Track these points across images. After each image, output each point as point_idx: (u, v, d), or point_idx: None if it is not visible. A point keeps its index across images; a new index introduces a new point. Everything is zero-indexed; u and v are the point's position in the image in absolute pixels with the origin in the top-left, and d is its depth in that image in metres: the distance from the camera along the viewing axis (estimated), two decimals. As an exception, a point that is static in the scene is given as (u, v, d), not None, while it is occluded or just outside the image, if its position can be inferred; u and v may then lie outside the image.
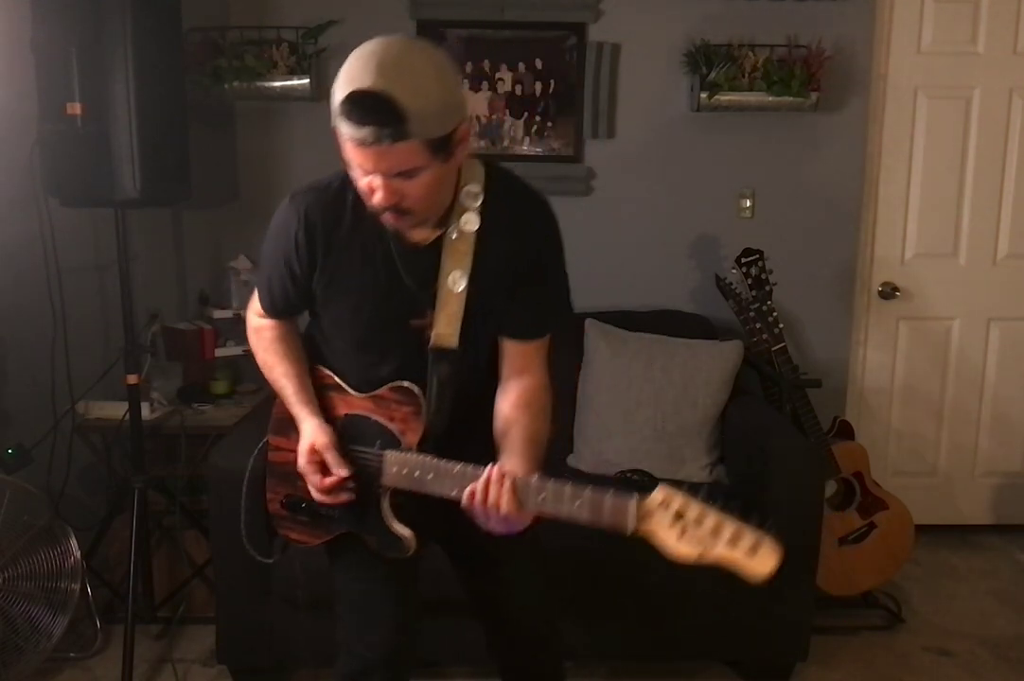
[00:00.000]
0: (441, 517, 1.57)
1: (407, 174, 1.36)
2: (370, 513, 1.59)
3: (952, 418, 3.46)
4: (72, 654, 2.60)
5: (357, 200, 1.50)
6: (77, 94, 2.32)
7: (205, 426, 2.81)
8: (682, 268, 3.28)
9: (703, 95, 3.05)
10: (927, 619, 2.89)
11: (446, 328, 1.53)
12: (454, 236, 1.51)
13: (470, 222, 1.51)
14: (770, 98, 3.04)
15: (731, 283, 2.95)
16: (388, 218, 1.44)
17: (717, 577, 2.37)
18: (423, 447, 1.55)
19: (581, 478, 2.71)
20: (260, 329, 1.75)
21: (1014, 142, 3.28)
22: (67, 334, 2.71)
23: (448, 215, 1.52)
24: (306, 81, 2.99)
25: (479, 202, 1.51)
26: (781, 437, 2.55)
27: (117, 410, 2.69)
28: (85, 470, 2.95)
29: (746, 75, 3.03)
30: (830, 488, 2.79)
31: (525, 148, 3.19)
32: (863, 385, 3.44)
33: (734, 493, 2.60)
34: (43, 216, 2.58)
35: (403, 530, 1.57)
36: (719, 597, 2.42)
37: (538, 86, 3.16)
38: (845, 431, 2.93)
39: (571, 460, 2.84)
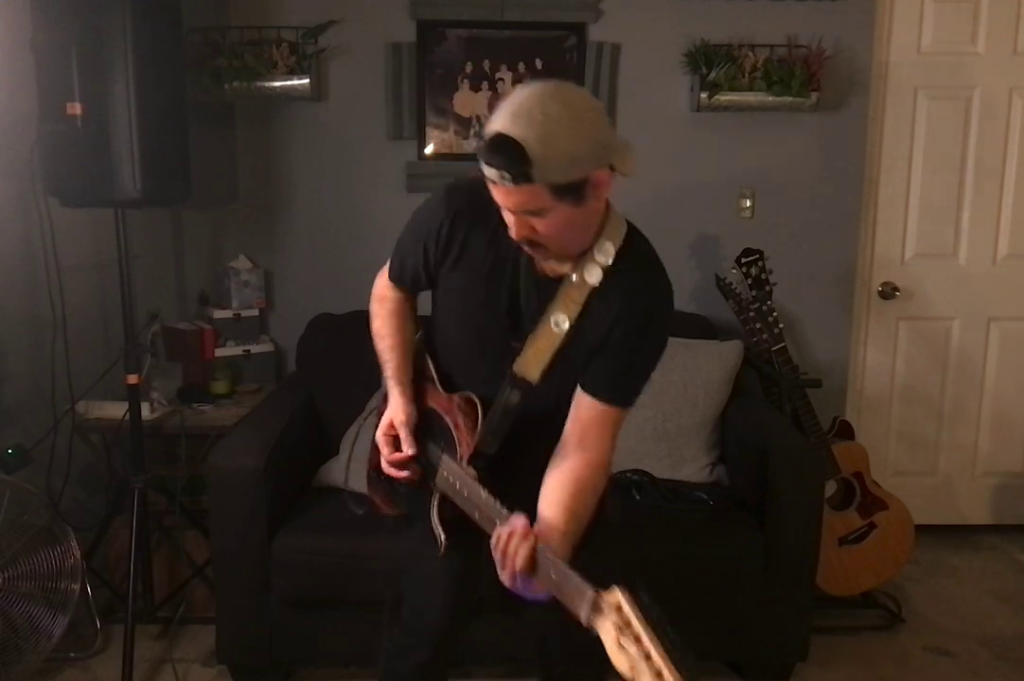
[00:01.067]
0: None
1: (535, 213, 1.43)
2: (422, 505, 1.66)
3: (952, 418, 3.46)
4: (72, 654, 2.60)
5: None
6: (77, 94, 2.32)
7: (205, 426, 2.81)
8: (682, 268, 3.28)
9: (703, 95, 3.05)
10: (927, 619, 2.90)
11: (532, 360, 1.59)
12: (574, 280, 1.56)
13: (592, 275, 1.55)
14: (770, 98, 3.04)
15: (731, 283, 2.95)
16: (528, 251, 1.52)
17: (717, 577, 2.39)
18: (473, 462, 1.59)
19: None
20: (384, 299, 1.81)
21: (1014, 142, 3.28)
22: (67, 334, 2.71)
23: (583, 259, 1.56)
24: (306, 81, 2.99)
25: (608, 261, 1.55)
26: (781, 437, 2.55)
27: (117, 410, 2.69)
28: (85, 470, 2.95)
29: (746, 75, 3.03)
30: (830, 488, 2.79)
31: (525, 148, 3.18)
32: (863, 385, 3.44)
33: (734, 493, 2.60)
34: (43, 216, 2.58)
35: (439, 531, 1.62)
36: (719, 597, 2.43)
37: (538, 86, 3.15)
38: (845, 431, 2.93)
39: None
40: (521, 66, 3.14)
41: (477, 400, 1.61)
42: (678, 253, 3.29)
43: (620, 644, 1.18)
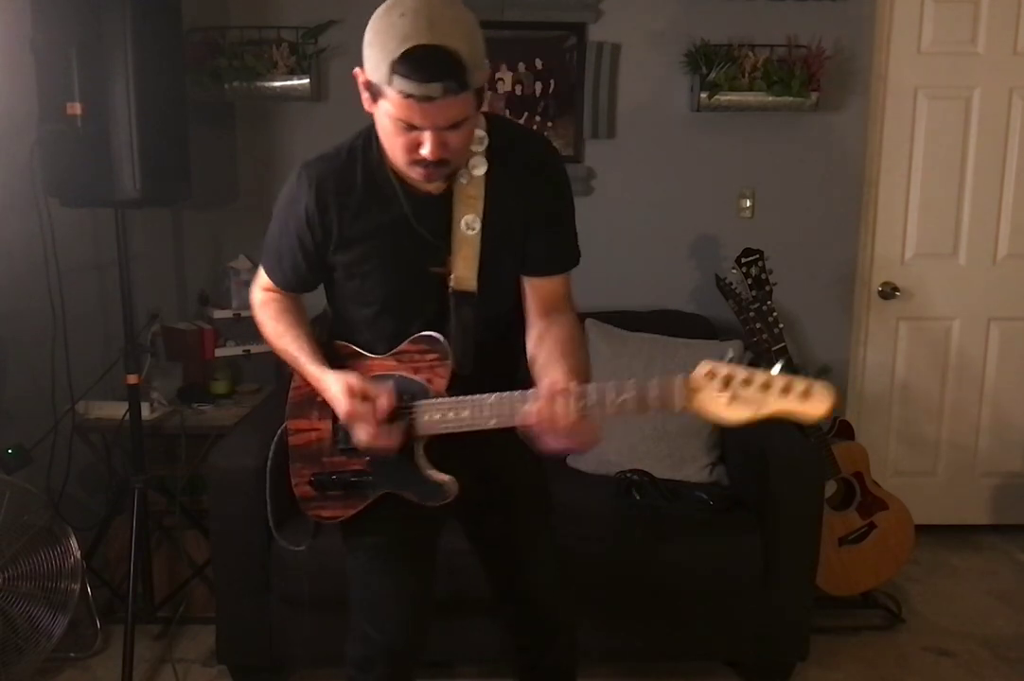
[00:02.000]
0: (472, 463, 1.61)
1: (456, 125, 1.40)
2: (404, 468, 1.60)
3: (952, 418, 3.46)
4: (72, 654, 2.60)
5: (366, 164, 1.55)
6: (77, 94, 2.32)
7: (205, 426, 2.81)
8: (682, 268, 3.28)
9: (703, 95, 3.05)
10: (927, 619, 2.90)
11: (464, 271, 1.56)
12: (464, 181, 1.54)
13: (478, 166, 1.54)
14: (770, 98, 3.04)
15: (731, 283, 2.94)
16: (425, 173, 1.46)
17: (717, 577, 2.39)
18: (452, 391, 1.56)
19: (581, 478, 2.74)
20: (266, 302, 1.76)
21: (1014, 142, 3.28)
22: (67, 334, 2.71)
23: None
24: (306, 81, 2.99)
25: (484, 146, 1.54)
26: (781, 437, 2.54)
27: (117, 410, 2.69)
28: (85, 470, 2.95)
29: (746, 75, 3.03)
30: (830, 488, 2.79)
31: (525, 148, 3.18)
32: (863, 385, 3.43)
33: (734, 493, 2.60)
34: (43, 216, 2.58)
35: (442, 476, 1.59)
36: (719, 597, 2.42)
37: (538, 86, 3.16)
38: (845, 431, 2.93)
39: (571, 460, 2.84)
40: (521, 66, 3.14)
41: (431, 333, 1.57)
42: (678, 253, 3.29)
43: (734, 398, 1.28)
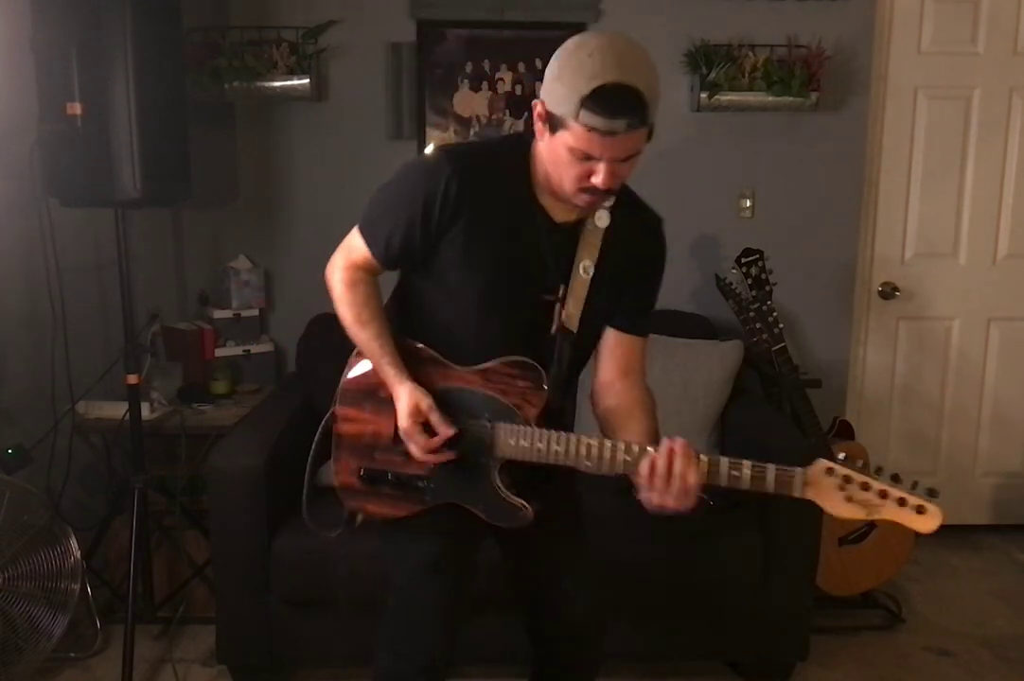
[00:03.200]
0: (542, 487, 1.65)
1: (631, 157, 1.50)
2: (476, 485, 1.62)
3: (952, 418, 3.46)
4: (72, 654, 2.60)
5: (515, 179, 1.60)
6: (77, 94, 2.32)
7: (205, 426, 2.81)
8: (682, 268, 3.28)
9: (703, 95, 3.05)
10: (927, 619, 2.90)
11: (572, 310, 1.64)
12: (588, 228, 1.64)
13: (602, 219, 1.64)
14: (770, 98, 3.04)
15: (731, 283, 2.95)
16: (590, 200, 1.55)
17: (717, 577, 2.39)
18: (541, 422, 1.59)
19: (581, 478, 2.74)
20: (356, 282, 1.68)
21: (1014, 142, 3.28)
22: (67, 334, 2.71)
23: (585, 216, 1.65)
24: (306, 81, 2.99)
25: (610, 202, 1.63)
26: (781, 437, 2.55)
27: (117, 410, 2.69)
28: (85, 470, 2.95)
29: (746, 75, 3.03)
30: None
31: (525, 148, 3.18)
32: (863, 385, 3.43)
33: (734, 493, 2.60)
34: (43, 216, 2.58)
35: (520, 500, 1.61)
36: (719, 597, 2.42)
37: (538, 86, 3.14)
38: (845, 431, 2.93)
39: (571, 460, 2.84)
40: (521, 66, 3.14)
41: (529, 361, 1.60)
42: (678, 253, 3.24)
43: (848, 499, 1.41)
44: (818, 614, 2.57)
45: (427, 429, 1.59)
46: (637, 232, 1.69)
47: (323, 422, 1.76)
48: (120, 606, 2.66)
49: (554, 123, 1.48)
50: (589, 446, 1.54)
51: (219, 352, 3.13)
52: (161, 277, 3.21)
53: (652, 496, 1.51)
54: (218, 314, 3.16)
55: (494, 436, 1.59)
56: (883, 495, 1.39)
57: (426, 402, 1.58)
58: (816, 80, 3.04)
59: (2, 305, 2.69)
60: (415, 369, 1.64)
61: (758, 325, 2.87)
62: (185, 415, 2.83)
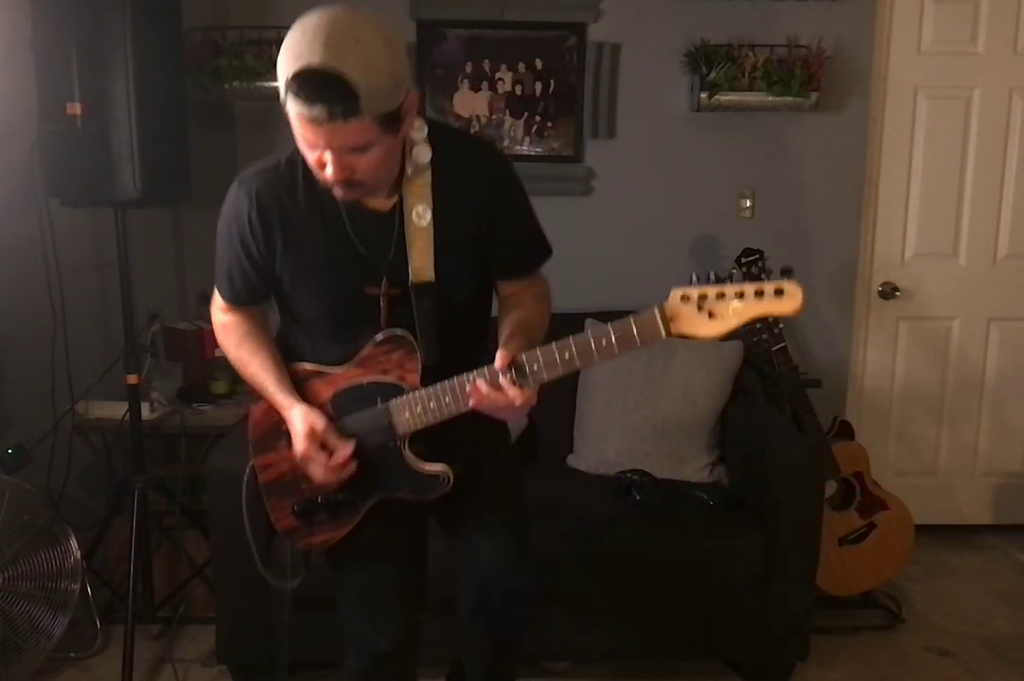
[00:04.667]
0: (458, 448, 1.61)
1: (358, 149, 1.38)
2: (394, 469, 1.60)
3: (952, 418, 3.46)
4: (72, 654, 2.60)
5: (308, 174, 1.51)
6: (77, 94, 2.32)
7: (205, 426, 2.81)
8: (682, 268, 3.28)
9: (703, 95, 3.05)
10: (927, 619, 2.89)
11: (420, 261, 1.55)
12: (409, 171, 1.53)
13: (421, 153, 1.52)
14: (770, 98, 3.04)
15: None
16: (338, 191, 1.46)
17: (717, 577, 2.39)
18: (425, 383, 1.56)
19: (581, 478, 2.74)
20: (227, 326, 1.72)
21: (1014, 142, 3.28)
22: (67, 334, 2.71)
23: (401, 177, 1.54)
24: (306, 81, 2.98)
25: (424, 134, 1.53)
26: (781, 437, 2.55)
27: (117, 410, 2.69)
28: (85, 470, 2.95)
29: (746, 75, 3.03)
30: (830, 488, 2.79)
31: (525, 148, 3.18)
32: (863, 385, 3.43)
33: (734, 493, 2.60)
34: (43, 216, 2.58)
35: (435, 467, 1.59)
36: (719, 597, 2.42)
37: (538, 86, 3.16)
38: (845, 431, 2.93)
39: (571, 460, 2.84)
40: (521, 66, 3.14)
41: (395, 330, 1.56)
42: (678, 253, 3.29)
43: (711, 315, 1.33)
44: (818, 614, 2.57)
45: (327, 448, 1.57)
46: (467, 160, 1.57)
47: (244, 481, 1.74)
48: (120, 606, 2.66)
49: (286, 108, 1.37)
50: (463, 384, 1.50)
51: (219, 352, 3.08)
52: (161, 277, 3.21)
53: (493, 414, 1.51)
54: (218, 314, 3.15)
55: (390, 417, 1.57)
56: (740, 296, 1.31)
57: (320, 423, 1.57)
58: (816, 80, 3.04)
59: (2, 305, 2.69)
60: (304, 388, 1.64)
61: (758, 325, 2.87)
62: (185, 415, 2.83)
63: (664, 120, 3.21)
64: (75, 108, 2.32)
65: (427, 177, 1.53)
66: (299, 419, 1.58)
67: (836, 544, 2.78)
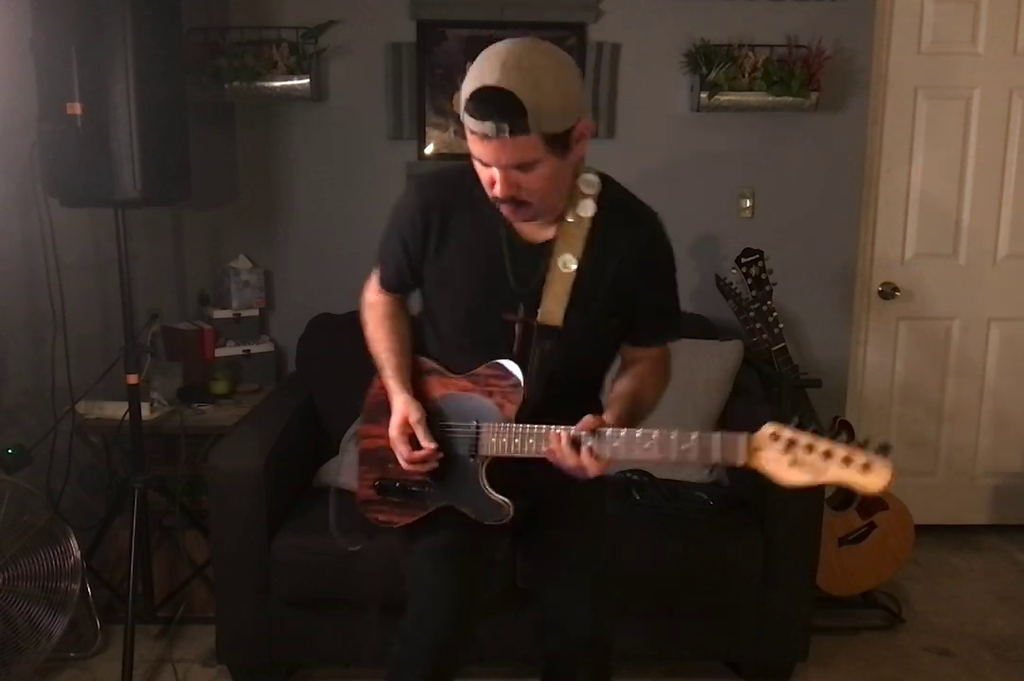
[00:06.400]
0: (531, 487, 1.66)
1: (525, 167, 1.47)
2: (466, 485, 1.67)
3: (952, 418, 3.46)
4: (72, 654, 2.60)
5: (479, 194, 1.59)
6: (77, 94, 2.32)
7: (205, 426, 2.81)
8: (682, 268, 3.22)
9: (703, 95, 3.05)
10: (927, 619, 2.90)
11: (552, 306, 1.62)
12: (570, 220, 1.61)
13: (587, 208, 1.61)
14: (770, 98, 3.04)
15: (731, 283, 2.95)
16: (506, 209, 1.55)
17: (717, 577, 2.39)
18: (520, 418, 1.62)
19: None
20: (374, 304, 1.85)
21: (1014, 142, 3.28)
22: (67, 334, 2.71)
23: (564, 213, 1.62)
24: (306, 81, 2.99)
25: (595, 191, 1.61)
26: (781, 437, 2.54)
27: (117, 410, 2.69)
28: (85, 470, 2.95)
29: (746, 75, 3.03)
30: (830, 488, 2.79)
31: (525, 148, 3.18)
32: (863, 385, 3.44)
33: (734, 493, 2.60)
34: (43, 216, 2.58)
35: (500, 497, 1.64)
36: (719, 597, 2.42)
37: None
38: (845, 431, 2.93)
39: (571, 460, 2.84)
40: (521, 66, 3.13)
41: (505, 362, 1.64)
42: (678, 253, 3.22)
43: (793, 462, 1.35)
44: (818, 614, 2.57)
45: (414, 441, 1.67)
46: (628, 225, 1.65)
47: (350, 439, 1.90)
48: (120, 606, 2.66)
49: (464, 129, 1.49)
50: (551, 433, 1.56)
51: (219, 352, 3.13)
52: (161, 277, 3.21)
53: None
54: (218, 314, 3.16)
55: (479, 436, 1.65)
56: (827, 455, 1.33)
57: (415, 415, 1.66)
58: (816, 80, 3.04)
59: (2, 305, 2.69)
60: (419, 381, 1.74)
61: (758, 325, 2.87)
62: (185, 415, 2.83)
63: (664, 120, 3.21)
64: (75, 108, 2.32)
65: (584, 230, 1.61)
66: (399, 406, 1.69)
67: (836, 544, 2.78)
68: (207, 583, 2.73)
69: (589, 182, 1.62)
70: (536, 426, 1.59)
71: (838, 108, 3.21)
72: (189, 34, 2.90)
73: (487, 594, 1.79)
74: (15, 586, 2.40)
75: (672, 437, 1.46)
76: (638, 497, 2.52)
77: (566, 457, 1.52)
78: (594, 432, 1.51)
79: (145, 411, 2.69)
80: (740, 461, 1.40)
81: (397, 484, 1.74)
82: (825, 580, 2.70)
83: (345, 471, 2.34)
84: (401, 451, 1.67)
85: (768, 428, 1.39)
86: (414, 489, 1.72)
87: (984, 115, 3.26)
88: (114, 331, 2.74)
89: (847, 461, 1.32)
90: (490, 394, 1.65)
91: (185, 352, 3.11)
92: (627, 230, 1.64)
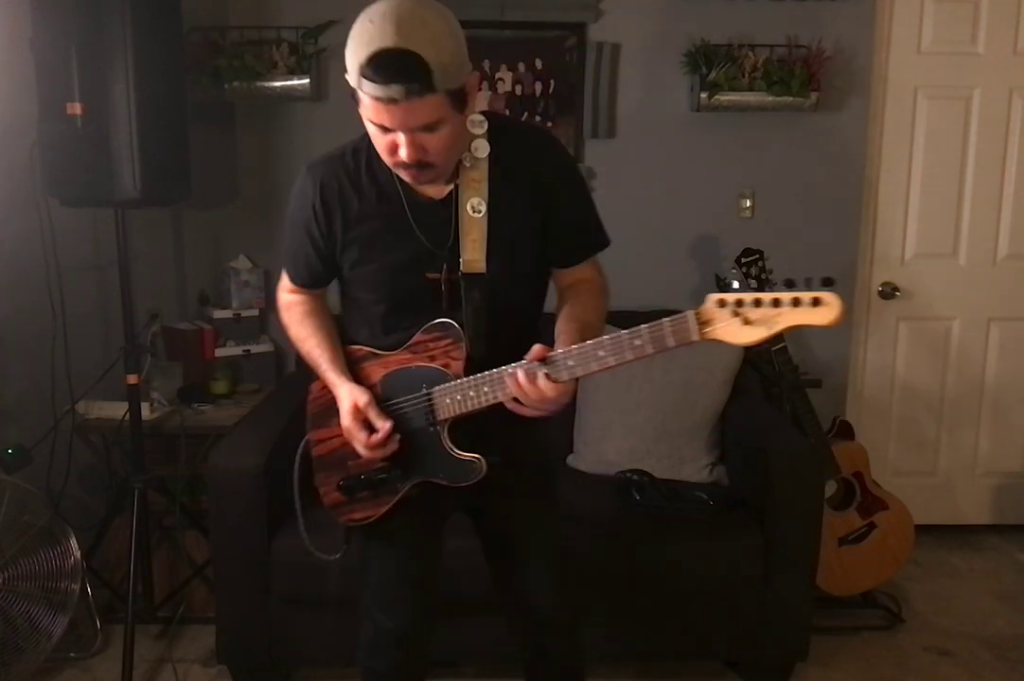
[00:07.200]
0: (495, 441, 1.62)
1: (430, 128, 1.44)
2: (433, 454, 1.64)
3: (952, 418, 3.46)
4: (72, 654, 2.60)
5: (372, 164, 1.59)
6: (77, 94, 2.32)
7: (205, 426, 2.81)
8: (682, 268, 3.28)
9: (703, 95, 3.05)
10: (927, 619, 2.90)
11: (472, 254, 1.58)
12: (468, 164, 1.58)
13: (480, 148, 1.57)
14: (770, 98, 3.04)
15: (731, 283, 2.95)
16: (408, 174, 1.52)
17: (717, 577, 2.39)
18: (468, 372, 1.59)
19: (581, 478, 2.74)
20: (291, 305, 1.81)
21: (1014, 142, 3.28)
22: (67, 334, 2.71)
23: (459, 166, 1.58)
24: (306, 81, 2.99)
25: (484, 129, 1.58)
26: (781, 437, 2.55)
27: (117, 410, 2.69)
28: (85, 470, 2.95)
29: (746, 75, 3.03)
30: (830, 488, 2.79)
31: (525, 148, 3.18)
32: (863, 385, 3.44)
33: (734, 493, 2.60)
34: (43, 216, 2.58)
35: (469, 455, 1.62)
36: (719, 597, 2.43)
37: (538, 86, 3.16)
38: (845, 431, 2.93)
39: (571, 460, 2.84)
40: (521, 66, 3.14)
41: (442, 320, 1.60)
42: (678, 253, 3.29)
43: (746, 321, 1.31)
44: (818, 614, 2.57)
45: (369, 425, 1.63)
46: (526, 153, 1.61)
47: (299, 452, 1.80)
48: (120, 606, 2.66)
49: (355, 96, 1.45)
50: (503, 375, 1.51)
51: (219, 352, 3.13)
52: (161, 277, 3.21)
53: (522, 410, 1.52)
54: (218, 314, 3.16)
55: (432, 402, 1.62)
56: (776, 303, 1.29)
57: (363, 399, 1.63)
58: (816, 80, 3.04)
59: (2, 305, 2.69)
60: (356, 370, 1.71)
61: (758, 325, 2.86)
62: (185, 415, 2.83)
63: (664, 120, 3.21)
64: (75, 108, 2.32)
65: (484, 170, 1.57)
66: (345, 396, 1.65)
67: (836, 544, 2.78)
68: (207, 583, 2.73)
69: (475, 122, 1.57)
70: (485, 374, 1.54)
71: (838, 108, 3.21)
72: (189, 34, 2.90)
73: (439, 569, 1.80)
74: (15, 586, 2.41)
75: (624, 335, 1.42)
76: (638, 497, 2.52)
77: (527, 390, 1.47)
78: (544, 360, 1.47)
79: (145, 411, 2.69)
80: (695, 336, 1.36)
81: (362, 477, 1.70)
82: (825, 580, 2.71)
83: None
84: (359, 438, 1.63)
85: (712, 297, 1.34)
86: (380, 477, 1.69)
87: (984, 115, 3.26)
88: (114, 331, 2.74)
89: (796, 302, 1.28)
90: (432, 358, 1.62)
91: (185, 352, 3.11)
92: (525, 156, 1.60)
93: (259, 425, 2.55)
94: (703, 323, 1.35)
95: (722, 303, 1.33)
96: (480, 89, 1.52)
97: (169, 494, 2.72)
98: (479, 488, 1.64)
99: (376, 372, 1.69)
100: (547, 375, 1.47)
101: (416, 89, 1.37)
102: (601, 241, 1.73)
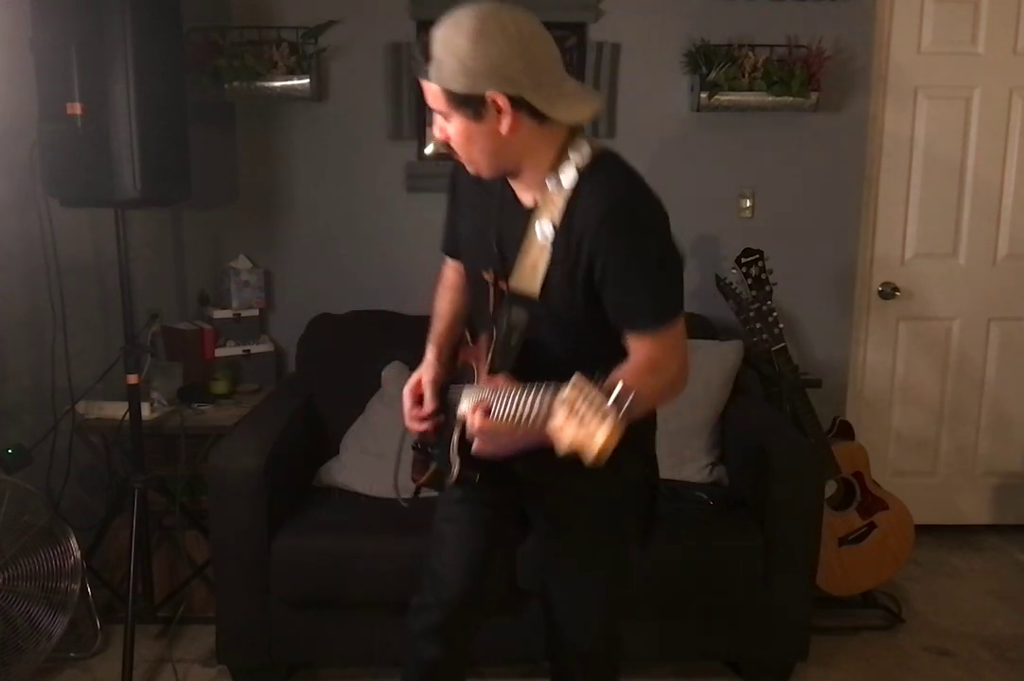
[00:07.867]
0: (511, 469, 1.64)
1: (443, 115, 1.51)
2: (447, 445, 1.69)
3: (952, 418, 3.46)
4: (72, 654, 2.60)
5: None
6: (77, 94, 2.32)
7: (205, 426, 2.81)
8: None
9: (703, 95, 3.05)
10: (927, 619, 2.90)
11: (526, 273, 1.56)
12: (551, 187, 1.55)
13: (566, 177, 1.53)
14: (770, 98, 3.04)
15: (731, 283, 2.95)
16: (451, 154, 1.58)
17: (717, 577, 2.39)
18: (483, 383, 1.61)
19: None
20: (443, 273, 1.91)
21: (1014, 142, 3.28)
22: (67, 334, 2.71)
23: (558, 169, 1.54)
24: (306, 81, 2.99)
25: (583, 160, 1.52)
26: (781, 437, 2.55)
27: (117, 410, 2.69)
28: (85, 470, 2.95)
29: (746, 75, 3.03)
30: (830, 488, 2.79)
31: (525, 148, 3.18)
32: (863, 385, 3.43)
33: (734, 493, 2.60)
34: (43, 216, 2.58)
35: (453, 459, 1.64)
36: (719, 597, 2.42)
37: (538, 86, 3.15)
38: (845, 431, 2.93)
39: (571, 460, 2.84)
40: (521, 66, 3.13)
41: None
42: (678, 253, 3.28)
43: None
44: (818, 614, 2.57)
45: (421, 400, 1.76)
46: (591, 195, 1.50)
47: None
48: (120, 606, 2.66)
49: None
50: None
51: (219, 352, 3.13)
52: (161, 277, 3.21)
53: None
54: (218, 314, 3.16)
55: (458, 398, 1.64)
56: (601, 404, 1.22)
57: (428, 377, 1.76)
58: (816, 80, 3.04)
59: (2, 305, 2.69)
60: (462, 348, 1.81)
61: (758, 325, 2.87)
62: (185, 415, 2.83)
63: (664, 120, 3.21)
64: (75, 108, 2.32)
65: (563, 199, 1.51)
66: (421, 369, 1.79)
67: (836, 544, 2.78)
68: (207, 583, 2.73)
69: (580, 152, 1.52)
70: (521, 387, 1.40)
71: (838, 108, 3.21)
72: (189, 34, 2.90)
73: (500, 546, 1.81)
74: (15, 586, 2.41)
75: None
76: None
77: (468, 419, 1.49)
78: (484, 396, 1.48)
79: (145, 411, 2.69)
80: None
81: (418, 444, 1.83)
82: (825, 580, 2.71)
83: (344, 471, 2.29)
84: (406, 407, 1.76)
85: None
86: (422, 447, 1.82)
87: (984, 115, 3.26)
88: (114, 331, 2.74)
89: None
90: (477, 359, 1.69)
91: (185, 352, 3.11)
92: (591, 201, 1.49)
93: (259, 425, 2.55)
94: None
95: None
96: (509, 113, 1.47)
97: (169, 494, 2.72)
98: (526, 496, 1.71)
99: (460, 357, 1.81)
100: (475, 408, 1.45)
101: (421, 70, 1.47)
102: (645, 322, 1.53)
